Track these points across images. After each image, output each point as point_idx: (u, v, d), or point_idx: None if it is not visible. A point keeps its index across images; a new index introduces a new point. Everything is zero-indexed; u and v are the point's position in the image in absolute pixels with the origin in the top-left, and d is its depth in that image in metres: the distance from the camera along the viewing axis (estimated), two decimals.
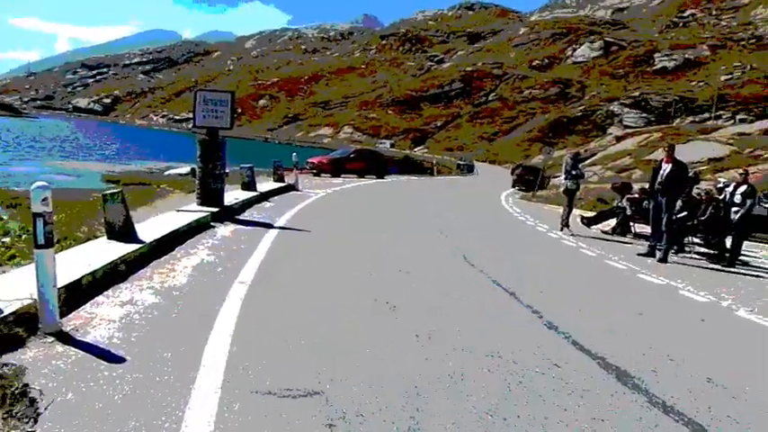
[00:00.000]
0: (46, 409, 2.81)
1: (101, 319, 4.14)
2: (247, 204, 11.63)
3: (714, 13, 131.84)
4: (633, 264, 8.64)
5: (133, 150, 49.19)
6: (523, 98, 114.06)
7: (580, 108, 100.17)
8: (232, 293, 4.98)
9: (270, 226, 9.19)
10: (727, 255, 9.57)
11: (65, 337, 3.71)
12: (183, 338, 3.84)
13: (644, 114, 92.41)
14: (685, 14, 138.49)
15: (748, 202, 9.31)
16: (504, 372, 3.75)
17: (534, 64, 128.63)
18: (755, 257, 10.84)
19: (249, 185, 13.61)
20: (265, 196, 13.53)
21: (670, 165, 9.21)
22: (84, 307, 4.34)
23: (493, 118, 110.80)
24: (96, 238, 6.59)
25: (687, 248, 10.46)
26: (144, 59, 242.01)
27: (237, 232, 8.43)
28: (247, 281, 5.46)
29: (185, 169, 24.92)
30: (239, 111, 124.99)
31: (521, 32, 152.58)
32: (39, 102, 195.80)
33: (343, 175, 26.17)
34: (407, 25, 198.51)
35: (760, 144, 36.19)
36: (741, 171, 10.26)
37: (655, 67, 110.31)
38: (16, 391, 2.98)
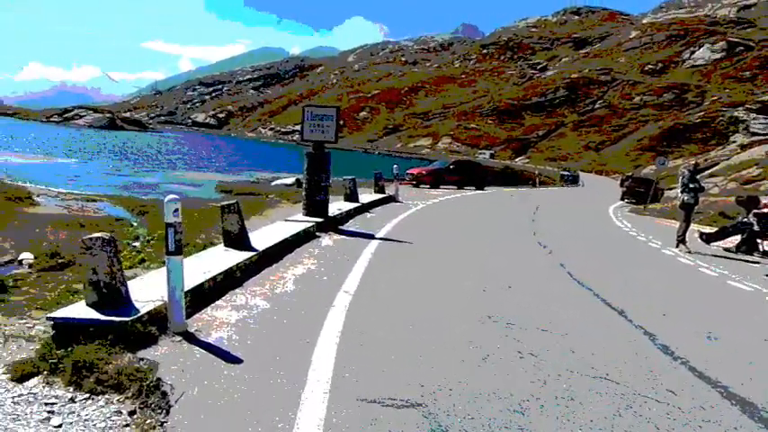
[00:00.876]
0: (176, 401, 3.10)
1: (220, 322, 4.48)
2: (350, 215, 12.01)
3: None
4: (761, 286, 7.88)
5: (244, 161, 52.38)
6: (633, 105, 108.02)
7: (698, 114, 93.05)
8: (337, 302, 5.18)
9: (372, 237, 9.43)
10: None
11: (190, 337, 4.06)
12: (292, 344, 4.06)
13: None
14: None
15: None
16: (614, 396, 3.60)
17: (646, 69, 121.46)
18: None
19: (351, 196, 14.04)
20: (367, 207, 13.88)
21: None
22: (205, 310, 4.72)
23: (600, 126, 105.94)
24: (213, 245, 7.13)
25: None
26: (254, 76, 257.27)
27: (341, 242, 8.74)
28: (351, 290, 5.66)
29: (290, 179, 26.22)
30: (341, 122, 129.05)
31: (631, 36, 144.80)
32: (162, 117, 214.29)
33: (442, 187, 26.18)
34: (509, 33, 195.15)
35: None
36: None
37: None
38: (151, 385, 3.32)
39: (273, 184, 26.18)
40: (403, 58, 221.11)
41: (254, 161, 52.17)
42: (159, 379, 3.36)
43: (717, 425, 3.30)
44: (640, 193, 26.39)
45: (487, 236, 11.42)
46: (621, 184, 33.46)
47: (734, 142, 69.43)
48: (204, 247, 6.94)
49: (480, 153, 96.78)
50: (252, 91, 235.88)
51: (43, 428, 2.93)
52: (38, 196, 14.26)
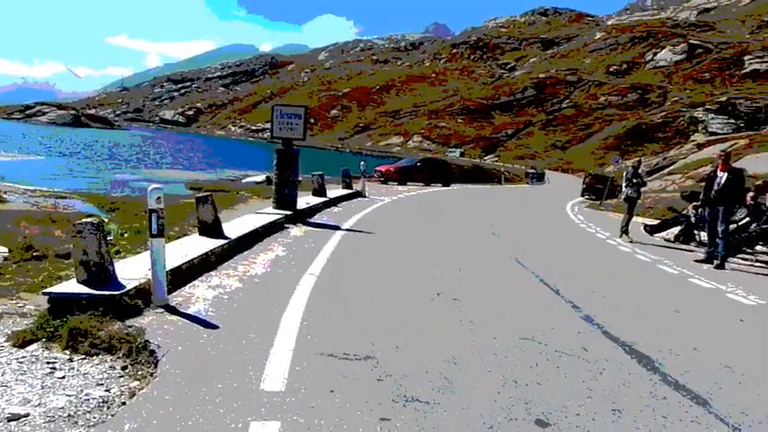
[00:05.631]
0: (163, 356, 3.68)
1: (197, 297, 5.05)
2: (318, 209, 12.59)
3: None
4: (687, 269, 8.78)
5: (214, 160, 52.30)
6: (599, 105, 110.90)
7: (661, 114, 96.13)
8: (303, 282, 5.79)
9: (337, 228, 10.05)
10: None
11: (171, 309, 4.62)
12: (262, 314, 4.67)
13: (731, 120, 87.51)
14: None
15: None
16: (536, 353, 4.30)
17: (611, 69, 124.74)
18: None
19: (319, 191, 14.61)
20: (334, 202, 14.48)
21: (726, 173, 9.25)
22: (183, 288, 5.28)
23: (566, 126, 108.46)
24: (186, 235, 7.63)
25: (752, 256, 10.36)
26: (224, 73, 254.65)
27: (308, 233, 9.34)
28: (316, 272, 6.28)
29: (261, 177, 26.56)
30: (312, 121, 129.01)
31: (597, 37, 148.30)
32: (129, 114, 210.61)
33: (409, 184, 26.93)
34: (478, 33, 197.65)
35: None
36: None
37: (745, 71, 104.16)
38: (139, 345, 3.87)
39: (244, 181, 26.50)
40: (374, 57, 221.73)
41: (224, 159, 52.16)
42: (147, 341, 3.92)
43: (616, 371, 4.03)
44: (599, 190, 27.59)
45: (446, 227, 12.14)
46: (583, 182, 34.78)
47: (693, 141, 72.03)
48: (178, 238, 7.43)
49: (450, 151, 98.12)
50: (221, 88, 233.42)
51: (49, 379, 3.45)
52: (5, 193, 14.38)
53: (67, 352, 3.87)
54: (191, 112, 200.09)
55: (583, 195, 31.08)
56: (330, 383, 3.41)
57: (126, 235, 8.72)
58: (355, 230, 10.03)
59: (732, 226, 10.03)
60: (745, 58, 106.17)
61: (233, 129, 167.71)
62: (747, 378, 4.12)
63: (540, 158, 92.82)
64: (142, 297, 4.63)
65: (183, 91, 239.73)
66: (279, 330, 4.28)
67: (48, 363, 3.70)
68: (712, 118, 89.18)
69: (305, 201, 12.55)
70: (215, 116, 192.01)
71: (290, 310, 4.81)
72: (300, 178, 13.39)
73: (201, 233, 7.12)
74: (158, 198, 4.59)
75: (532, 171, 59.01)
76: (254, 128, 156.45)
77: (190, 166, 42.38)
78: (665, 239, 12.42)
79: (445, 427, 2.99)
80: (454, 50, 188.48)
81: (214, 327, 4.29)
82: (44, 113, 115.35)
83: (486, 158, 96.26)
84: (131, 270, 5.10)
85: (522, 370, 3.90)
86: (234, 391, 3.22)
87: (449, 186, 29.03)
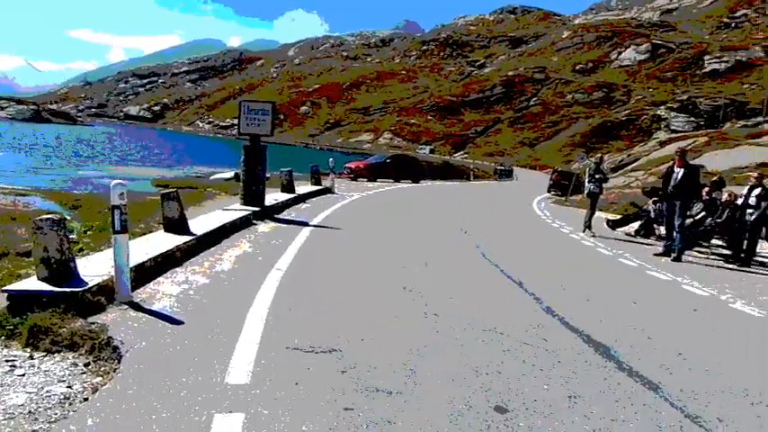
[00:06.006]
0: (127, 352, 3.67)
1: (162, 294, 5.02)
2: (286, 205, 12.56)
3: None
4: (646, 262, 9.08)
5: (181, 156, 51.44)
6: (566, 102, 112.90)
7: (625, 112, 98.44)
8: (270, 277, 5.81)
9: (305, 224, 10.06)
10: (743, 255, 9.87)
11: (135, 306, 4.59)
12: (228, 309, 4.67)
13: (692, 118, 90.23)
14: (737, 15, 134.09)
15: (763, 204, 9.60)
16: (497, 343, 4.42)
17: (578, 68, 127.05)
18: None
19: (288, 187, 14.56)
20: (303, 198, 14.45)
21: (682, 169, 9.60)
22: (148, 285, 5.23)
23: (534, 123, 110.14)
24: (151, 232, 7.55)
25: (707, 248, 10.77)
26: (191, 68, 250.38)
27: (276, 229, 9.32)
28: (283, 268, 6.29)
29: (229, 174, 26.21)
30: (281, 117, 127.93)
31: (564, 36, 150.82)
32: (93, 110, 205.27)
33: (379, 180, 27.01)
34: (448, 31, 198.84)
35: None
36: (756, 174, 10.51)
37: (705, 70, 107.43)
38: (102, 342, 3.85)
39: (212, 178, 26.12)
40: (344, 53, 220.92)
41: (192, 156, 51.32)
42: (110, 337, 3.89)
43: (572, 360, 4.17)
44: (565, 186, 28.17)
45: (415, 223, 12.26)
46: (550, 178, 35.43)
47: (656, 139, 73.90)
48: (143, 234, 7.35)
49: (420, 148, 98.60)
50: (189, 84, 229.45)
51: (8, 377, 3.41)
52: None
53: (28, 350, 3.82)
54: (157, 108, 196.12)
55: (549, 191, 31.68)
56: (295, 376, 3.45)
57: (89, 232, 8.57)
58: (323, 227, 10.06)
59: (689, 220, 10.40)
60: (705, 57, 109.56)
61: (201, 125, 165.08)
62: (697, 364, 4.32)
63: (509, 155, 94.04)
64: (105, 294, 4.58)
65: (149, 86, 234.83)
66: (245, 325, 4.30)
67: (7, 361, 3.65)
68: (674, 116, 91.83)
69: (273, 197, 12.51)
70: (182, 112, 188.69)
71: (256, 305, 4.82)
72: (269, 175, 13.31)
73: (167, 230, 7.06)
74: (121, 194, 4.55)
75: (501, 168, 59.77)
76: (222, 124, 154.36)
77: (156, 163, 41.60)
78: (627, 234, 12.79)
79: (407, 416, 3.07)
80: (424, 48, 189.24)
81: (179, 322, 4.28)
82: (2, 108, 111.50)
83: (455, 155, 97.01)
84: (94, 267, 5.04)
85: (483, 360, 4.00)
86: (198, 385, 3.24)
87: (418, 183, 29.21)
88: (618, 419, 3.24)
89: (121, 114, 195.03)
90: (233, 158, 35.06)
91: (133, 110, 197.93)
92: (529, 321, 5.06)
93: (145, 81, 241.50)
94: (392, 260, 7.41)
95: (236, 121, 12.22)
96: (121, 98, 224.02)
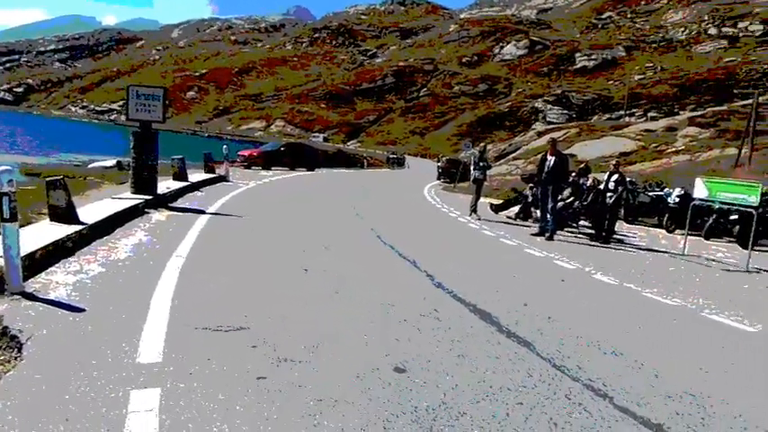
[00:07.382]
0: (27, 339, 3.61)
1: (57, 283, 4.89)
2: (179, 193, 12.23)
3: (629, 15, 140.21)
4: (523, 242, 10.05)
5: (52, 143, 47.22)
6: (453, 94, 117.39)
7: (507, 104, 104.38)
8: (171, 264, 5.81)
9: (202, 212, 9.94)
10: (604, 234, 11.21)
11: (29, 296, 4.45)
12: (131, 295, 4.68)
13: (565, 111, 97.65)
14: (603, 16, 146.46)
15: (619, 188, 10.98)
16: (395, 315, 4.83)
17: (464, 61, 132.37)
18: (632, 237, 12.61)
19: (180, 176, 14.13)
20: (196, 186, 14.11)
21: (553, 157, 10.71)
22: (40, 275, 5.06)
23: (424, 113, 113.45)
24: (31, 223, 7.12)
25: (576, 228, 12.06)
26: (60, 47, 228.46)
27: (171, 217, 9.14)
28: (184, 254, 6.29)
29: (110, 162, 24.57)
30: (167, 102, 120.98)
31: (451, 29, 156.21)
32: None
33: (273, 168, 26.76)
34: (340, 19, 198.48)
35: (663, 140, 39.73)
36: (613, 162, 11.94)
37: (576, 67, 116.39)
38: None
39: (91, 166, 24.31)
40: (233, 37, 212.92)
41: (64, 143, 47.22)
42: (6, 327, 3.79)
43: (460, 326, 4.69)
44: (453, 173, 29.59)
45: (312, 209, 12.49)
46: (439, 166, 36.98)
47: (534, 129, 79.39)
48: (24, 226, 6.92)
49: (314, 136, 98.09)
50: (58, 63, 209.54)
51: None
52: None
53: None
54: (20, 89, 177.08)
55: (439, 179, 33.12)
56: (207, 353, 3.62)
57: None
58: (221, 214, 10.00)
59: (560, 204, 11.58)
60: (576, 55, 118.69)
61: (74, 109, 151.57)
62: (563, 325, 5.02)
63: (401, 144, 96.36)
64: None
65: (8, 65, 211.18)
66: (150, 309, 4.35)
67: None
68: (550, 108, 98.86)
69: (165, 185, 12.13)
70: (51, 95, 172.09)
71: (159, 290, 4.86)
72: (158, 162, 12.85)
73: (53, 219, 6.74)
74: (10, 181, 4.38)
75: (393, 156, 61.23)
76: (99, 109, 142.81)
77: (26, 150, 37.89)
78: (508, 217, 13.91)
79: (317, 380, 3.37)
80: (316, 35, 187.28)
81: (80, 310, 4.24)
82: None
83: (349, 144, 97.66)
84: None
85: (383, 330, 4.40)
86: (110, 366, 3.31)
87: (314, 171, 29.31)
88: (498, 371, 3.77)
89: None
90: (112, 145, 32.95)
91: None
92: (423, 295, 5.54)
93: (4, 59, 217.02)
94: (292, 244, 7.62)
95: (113, 106, 11.75)
96: None
